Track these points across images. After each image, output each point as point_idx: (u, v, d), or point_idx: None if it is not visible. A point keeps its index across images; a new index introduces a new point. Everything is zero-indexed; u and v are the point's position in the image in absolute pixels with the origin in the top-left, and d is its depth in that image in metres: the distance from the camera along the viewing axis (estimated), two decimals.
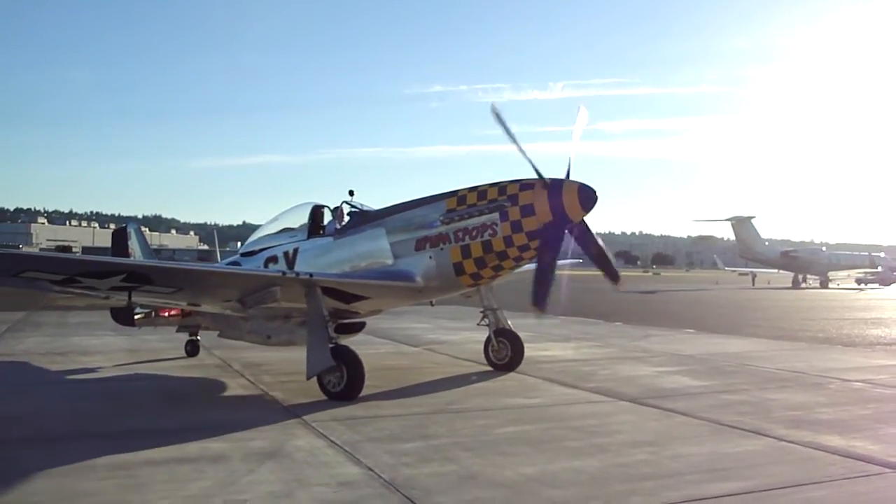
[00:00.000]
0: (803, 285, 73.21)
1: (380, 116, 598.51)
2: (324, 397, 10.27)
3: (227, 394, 11.23)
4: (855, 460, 7.17)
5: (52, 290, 10.49)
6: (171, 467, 6.84)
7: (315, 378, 10.32)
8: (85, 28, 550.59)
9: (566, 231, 10.68)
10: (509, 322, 13.51)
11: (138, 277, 9.62)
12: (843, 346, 18.14)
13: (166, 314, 14.12)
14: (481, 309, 13.49)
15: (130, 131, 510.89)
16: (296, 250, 12.47)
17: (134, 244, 15.15)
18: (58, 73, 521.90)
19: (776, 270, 79.31)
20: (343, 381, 10.15)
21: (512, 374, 12.79)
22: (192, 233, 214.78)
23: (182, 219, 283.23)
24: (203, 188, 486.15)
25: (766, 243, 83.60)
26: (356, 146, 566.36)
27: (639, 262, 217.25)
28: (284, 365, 13.56)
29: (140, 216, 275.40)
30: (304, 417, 9.18)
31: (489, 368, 13.54)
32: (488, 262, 10.95)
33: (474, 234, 10.90)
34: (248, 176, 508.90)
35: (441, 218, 11.19)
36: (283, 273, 10.62)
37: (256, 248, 13.26)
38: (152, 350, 15.96)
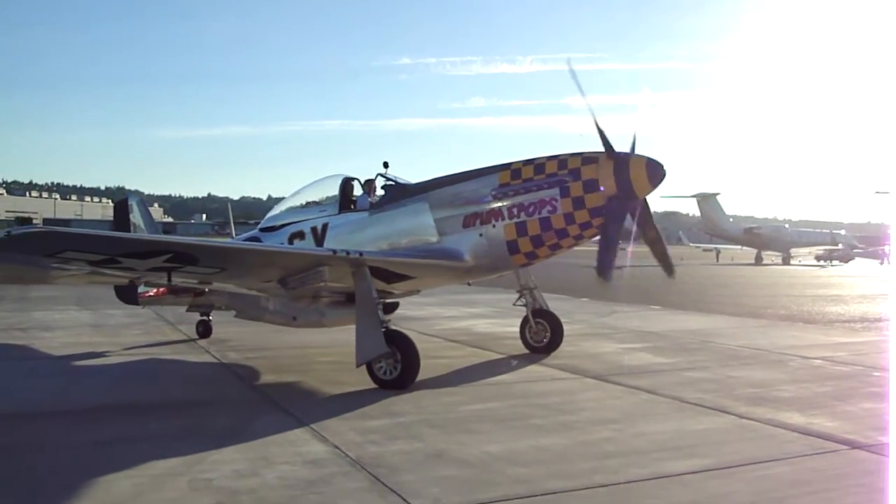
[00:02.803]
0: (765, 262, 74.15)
1: (347, 89, 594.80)
2: (289, 374, 10.24)
3: (192, 371, 11.16)
4: (813, 437, 7.30)
5: (80, 270, 9.85)
6: (135, 446, 6.81)
7: (357, 365, 9.65)
8: None
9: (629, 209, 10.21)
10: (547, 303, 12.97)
11: (184, 257, 8.96)
12: (803, 323, 18.45)
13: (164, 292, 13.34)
14: (517, 289, 12.86)
15: (92, 100, 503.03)
16: (325, 226, 11.69)
17: (137, 218, 14.33)
18: (18, 36, 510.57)
19: (740, 247, 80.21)
20: (398, 368, 9.49)
21: (477, 351, 12.86)
22: (156, 205, 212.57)
23: (146, 190, 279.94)
24: (167, 159, 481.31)
25: (731, 220, 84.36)
26: (323, 118, 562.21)
27: None
28: (250, 340, 13.53)
29: (103, 187, 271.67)
30: (270, 395, 9.17)
31: (455, 344, 13.62)
32: (546, 240, 10.36)
33: (531, 210, 10.29)
34: (213, 147, 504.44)
35: (493, 193, 10.53)
36: (335, 252, 9.72)
37: (278, 223, 12.41)
38: (117, 326, 15.81)
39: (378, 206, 11.45)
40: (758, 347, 13.47)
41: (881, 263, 69.51)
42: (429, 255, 10.63)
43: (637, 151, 10.20)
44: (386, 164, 11.70)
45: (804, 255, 77.53)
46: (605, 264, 10.07)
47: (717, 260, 77.39)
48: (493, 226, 10.50)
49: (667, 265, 11.20)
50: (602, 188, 10.07)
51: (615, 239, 10.15)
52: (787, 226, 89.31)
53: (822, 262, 73.05)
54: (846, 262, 72.77)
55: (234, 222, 21.25)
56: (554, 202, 10.22)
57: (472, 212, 10.64)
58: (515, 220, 10.38)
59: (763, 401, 8.92)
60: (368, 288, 9.81)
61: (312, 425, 7.55)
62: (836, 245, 77.78)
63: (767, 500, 5.52)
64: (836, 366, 11.64)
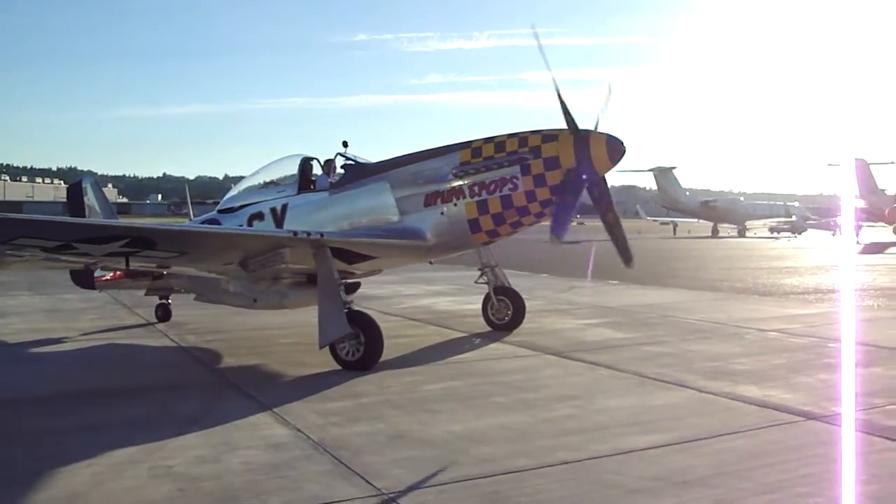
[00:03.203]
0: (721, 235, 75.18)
1: (304, 66, 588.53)
2: (249, 357, 10.18)
3: (151, 356, 11.03)
4: (770, 409, 7.42)
5: (34, 257, 9.59)
6: (94, 434, 6.71)
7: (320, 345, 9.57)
8: None
9: (585, 185, 10.20)
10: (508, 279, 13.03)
11: (142, 242, 8.80)
12: (759, 295, 18.72)
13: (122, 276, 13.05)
14: (479, 267, 12.88)
15: (41, 78, 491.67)
16: (284, 206, 11.58)
17: (91, 200, 13.95)
18: None
19: (696, 220, 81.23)
20: (361, 349, 9.45)
21: (437, 329, 12.89)
22: (110, 185, 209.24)
23: (100, 170, 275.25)
24: (121, 139, 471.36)
25: (687, 193, 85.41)
26: (279, 96, 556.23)
27: None
28: (209, 323, 13.40)
29: (55, 168, 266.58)
30: (231, 379, 9.11)
31: (416, 323, 13.63)
32: (507, 218, 10.39)
33: (492, 188, 10.30)
34: (168, 126, 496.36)
35: (454, 171, 10.52)
36: (295, 233, 9.64)
37: (236, 204, 12.25)
38: (72, 311, 15.56)
39: (338, 186, 11.37)
40: (715, 321, 13.67)
41: (833, 235, 70.72)
42: (390, 234, 10.59)
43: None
44: (345, 144, 11.64)
45: (759, 228, 78.76)
46: (558, 222, 10.07)
47: (675, 233, 78.26)
48: (455, 204, 10.49)
49: (625, 254, 11.04)
50: (562, 166, 10.09)
51: (571, 203, 10.14)
52: (742, 199, 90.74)
53: (774, 234, 74.32)
54: (799, 233, 74.01)
55: (191, 202, 21.03)
56: (515, 180, 10.23)
57: (432, 190, 10.62)
58: (476, 198, 10.39)
59: (721, 374, 9.06)
60: (330, 269, 9.74)
61: (274, 409, 7.51)
62: (790, 217, 79.10)
63: (728, 472, 5.60)
64: (791, 338, 11.84)
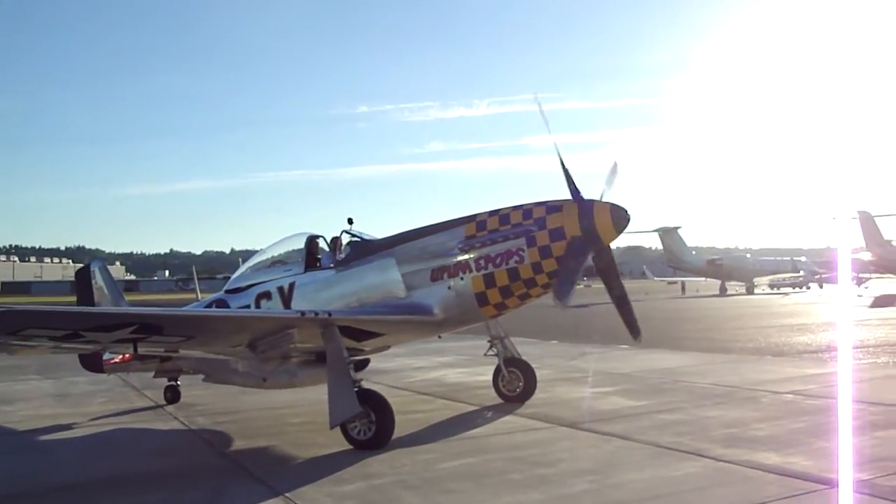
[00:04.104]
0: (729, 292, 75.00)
1: (306, 139, 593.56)
2: (260, 438, 10.06)
3: (160, 440, 10.90)
4: (791, 478, 7.29)
5: (42, 345, 9.50)
6: None
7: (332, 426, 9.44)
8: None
9: (590, 258, 10.23)
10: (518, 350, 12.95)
11: (150, 328, 8.84)
12: (772, 356, 18.55)
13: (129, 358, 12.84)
14: (488, 339, 12.82)
15: (48, 158, 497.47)
16: (292, 285, 11.53)
17: (100, 283, 14.05)
18: None
19: (703, 278, 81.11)
20: (372, 428, 9.32)
21: (449, 403, 12.75)
22: (117, 263, 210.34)
23: (107, 248, 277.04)
24: (127, 217, 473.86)
25: (693, 252, 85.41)
26: (284, 169, 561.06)
27: None
28: (218, 403, 13.29)
29: (62, 247, 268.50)
30: (241, 462, 9.00)
31: (427, 397, 13.50)
32: (514, 290, 10.32)
33: (498, 261, 10.26)
34: (173, 203, 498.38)
35: (459, 245, 10.53)
36: (303, 314, 9.61)
37: (243, 284, 12.22)
38: (81, 395, 15.45)
39: (344, 264, 11.37)
40: (729, 384, 13.52)
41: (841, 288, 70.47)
42: (398, 310, 10.55)
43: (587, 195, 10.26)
44: (350, 221, 11.67)
45: (764, 284, 78.65)
46: (563, 287, 9.97)
47: (683, 292, 78.06)
48: (461, 278, 10.46)
49: (633, 327, 10.95)
50: (567, 237, 10.10)
51: (575, 269, 10.05)
52: (748, 255, 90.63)
53: (775, 290, 74.34)
54: (801, 287, 74.06)
55: (197, 278, 21.02)
56: (521, 252, 10.22)
57: (439, 265, 10.61)
58: (483, 271, 10.35)
59: (739, 441, 8.92)
60: (339, 348, 9.69)
61: (287, 494, 7.39)
62: (798, 272, 79.02)
63: None
64: (807, 400, 11.70)
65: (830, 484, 7.04)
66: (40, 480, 8.73)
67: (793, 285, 76.11)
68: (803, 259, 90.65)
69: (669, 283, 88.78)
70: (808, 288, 75.99)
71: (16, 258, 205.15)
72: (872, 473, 7.33)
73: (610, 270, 10.68)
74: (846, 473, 7.29)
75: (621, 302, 10.83)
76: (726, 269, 79.06)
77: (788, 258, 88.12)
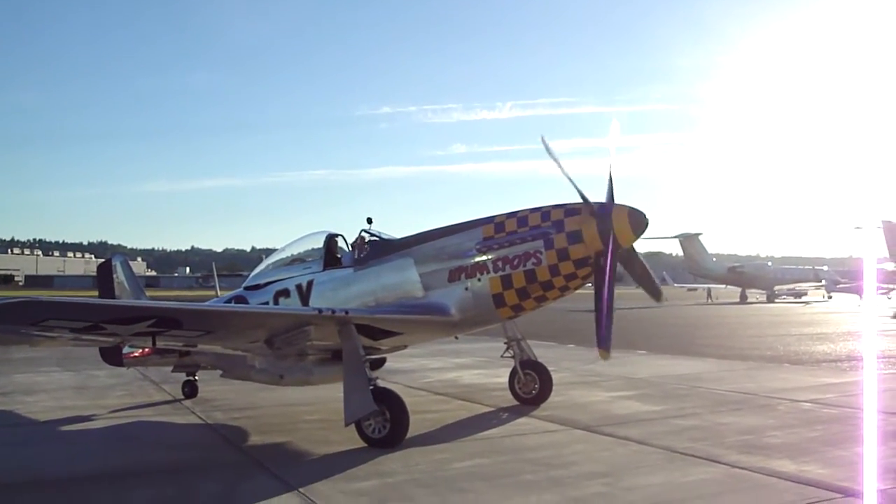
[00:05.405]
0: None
1: (329, 139, 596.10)
2: (275, 434, 10.12)
3: (177, 434, 11.00)
4: (806, 486, 7.26)
5: (62, 337, 9.56)
6: None
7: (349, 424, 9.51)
8: (30, 48, 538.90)
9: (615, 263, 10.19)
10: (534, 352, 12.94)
11: (168, 322, 8.89)
12: (790, 364, 18.44)
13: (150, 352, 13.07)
14: (505, 340, 12.87)
15: (73, 155, 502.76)
16: (310, 283, 11.56)
17: (121, 277, 14.21)
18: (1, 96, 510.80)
19: (724, 286, 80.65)
20: (387, 426, 9.36)
21: (465, 404, 12.76)
22: (139, 259, 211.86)
23: (129, 244, 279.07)
24: (149, 213, 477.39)
25: (714, 259, 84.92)
26: (306, 169, 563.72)
27: None
28: (235, 399, 13.38)
29: (85, 242, 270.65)
30: (257, 457, 9.05)
31: (442, 397, 13.53)
32: (531, 292, 10.33)
33: (516, 263, 10.27)
34: (196, 200, 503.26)
35: (477, 246, 10.54)
36: (320, 311, 9.70)
37: (262, 281, 12.28)
38: (101, 387, 15.59)
39: (363, 263, 11.40)
40: (746, 391, 13.46)
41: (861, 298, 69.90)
42: (415, 310, 10.57)
43: (617, 198, 10.23)
44: (370, 220, 11.68)
45: (785, 293, 78.14)
46: (603, 338, 9.94)
47: (709, 298, 77.73)
48: (479, 279, 10.47)
49: (653, 290, 11.38)
50: (585, 240, 10.08)
51: (610, 305, 9.96)
52: (769, 263, 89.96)
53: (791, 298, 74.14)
54: (799, 297, 73.90)
55: (217, 274, 21.19)
56: (538, 254, 10.21)
57: (456, 266, 10.62)
58: (500, 273, 10.36)
59: (754, 448, 8.88)
60: (355, 346, 9.76)
61: (301, 489, 7.43)
62: (820, 281, 78.43)
63: None
64: (824, 409, 11.63)
65: (846, 493, 7.00)
66: (60, 470, 8.83)
67: (796, 296, 75.85)
68: (825, 268, 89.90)
69: (689, 289, 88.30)
70: (830, 297, 75.37)
71: (39, 252, 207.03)
72: (891, 483, 7.29)
73: (631, 258, 10.69)
74: (867, 483, 7.26)
75: (642, 275, 11.00)
76: (747, 276, 78.57)
77: (810, 267, 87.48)
